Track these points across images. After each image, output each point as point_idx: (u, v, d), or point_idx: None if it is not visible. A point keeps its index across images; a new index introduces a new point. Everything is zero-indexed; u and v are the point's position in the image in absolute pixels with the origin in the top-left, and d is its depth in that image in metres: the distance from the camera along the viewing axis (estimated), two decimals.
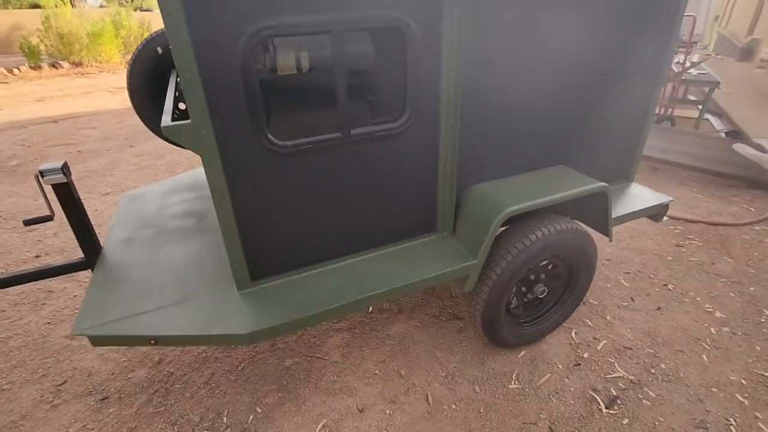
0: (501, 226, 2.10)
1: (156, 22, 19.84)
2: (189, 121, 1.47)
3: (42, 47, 13.81)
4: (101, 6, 26.30)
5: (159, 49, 2.66)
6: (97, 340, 1.66)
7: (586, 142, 2.38)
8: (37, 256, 3.48)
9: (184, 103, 1.41)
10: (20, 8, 21.11)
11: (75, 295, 2.98)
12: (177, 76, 2.43)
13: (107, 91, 10.78)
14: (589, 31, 2.03)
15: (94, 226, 2.18)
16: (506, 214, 1.91)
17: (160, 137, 2.92)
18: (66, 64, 13.85)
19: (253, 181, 1.66)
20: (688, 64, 6.29)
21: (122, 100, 9.52)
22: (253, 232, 1.76)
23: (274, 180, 1.70)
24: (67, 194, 2.03)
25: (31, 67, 13.34)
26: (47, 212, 2.05)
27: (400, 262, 2.01)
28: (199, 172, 3.22)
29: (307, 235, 1.88)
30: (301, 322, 1.73)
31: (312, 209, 1.83)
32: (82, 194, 4.67)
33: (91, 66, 14.23)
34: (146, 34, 16.46)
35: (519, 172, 2.24)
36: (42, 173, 1.94)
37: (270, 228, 1.79)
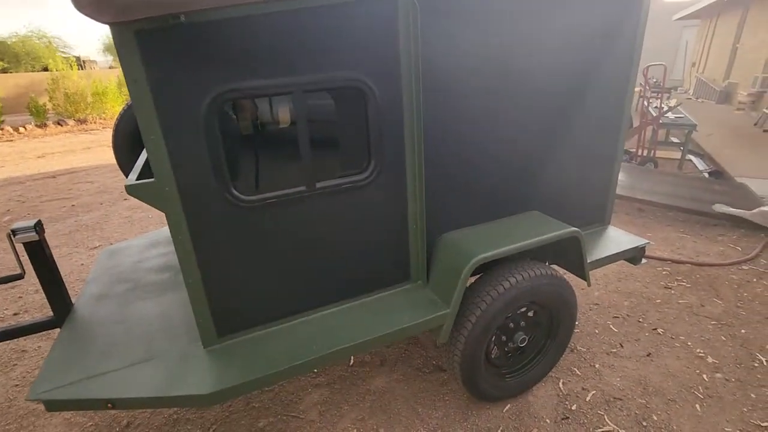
0: (474, 274, 2.09)
1: None
2: (152, 180, 1.50)
3: (49, 106, 14.39)
4: (110, 67, 27.74)
5: None
6: (51, 405, 1.60)
7: (557, 187, 2.42)
8: (15, 314, 3.43)
9: None
10: (33, 71, 22.26)
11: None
12: None
13: (108, 146, 11.09)
14: (551, 76, 2.13)
15: (77, 281, 2.17)
16: (476, 262, 1.90)
17: None
18: (71, 122, 14.37)
19: (218, 237, 1.67)
20: (665, 108, 6.53)
21: None
22: (219, 287, 1.74)
23: (239, 235, 1.71)
24: (38, 252, 2.03)
25: (37, 126, 13.83)
26: (18, 270, 2.05)
27: (373, 313, 1.97)
28: None
29: (275, 289, 1.86)
30: (267, 380, 1.67)
31: (280, 263, 1.83)
32: (70, 249, 4.68)
33: (95, 122, 14.76)
34: None
35: (490, 219, 2.26)
36: (14, 231, 1.95)
37: (236, 283, 1.78)
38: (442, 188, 2.04)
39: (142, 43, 1.35)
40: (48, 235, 5.10)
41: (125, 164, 2.82)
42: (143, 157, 1.91)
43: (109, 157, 9.62)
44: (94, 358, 1.79)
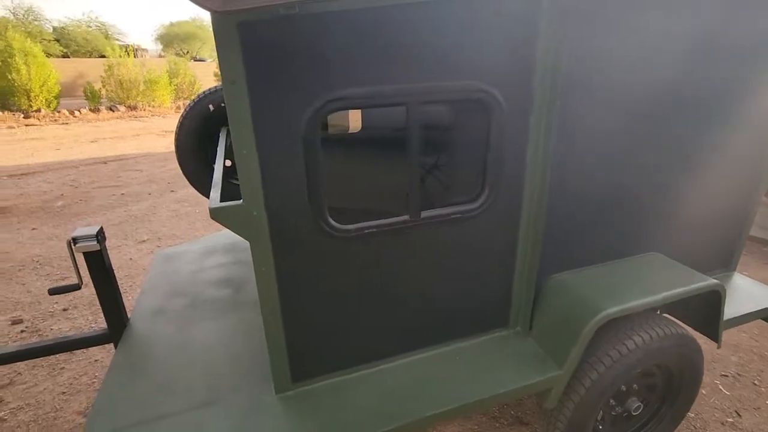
0: None
1: (207, 71, 21.22)
2: (240, 202, 1.25)
3: (103, 92, 14.87)
4: (160, 56, 28.67)
5: (211, 107, 2.58)
6: None
7: (681, 225, 2.03)
8: (64, 309, 3.33)
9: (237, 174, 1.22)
10: (90, 57, 23.26)
11: (96, 360, 2.76)
12: (227, 139, 2.30)
13: (156, 134, 11.30)
14: (702, 104, 1.75)
15: (126, 278, 1.98)
16: (603, 318, 1.56)
17: (201, 193, 2.79)
18: (122, 108, 14.80)
19: (306, 270, 1.41)
20: None
21: (169, 143, 9.89)
22: (301, 327, 1.49)
23: (330, 268, 1.44)
24: (98, 263, 1.85)
25: (90, 110, 14.32)
26: (76, 280, 1.87)
27: (470, 367, 1.67)
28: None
29: (363, 329, 1.59)
30: None
31: (371, 300, 1.55)
32: (119, 241, 4.61)
33: (145, 110, 15.14)
34: (197, 84, 17.56)
35: (604, 259, 1.90)
36: (75, 240, 1.77)
37: (321, 321, 1.51)
38: (557, 222, 1.71)
39: (246, 37, 1.09)
40: (99, 223, 5.10)
41: (187, 163, 2.64)
42: (219, 169, 1.67)
43: (157, 145, 9.75)
44: (152, 395, 1.57)
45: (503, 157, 1.51)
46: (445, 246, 1.58)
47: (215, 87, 2.65)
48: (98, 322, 3.19)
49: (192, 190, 6.64)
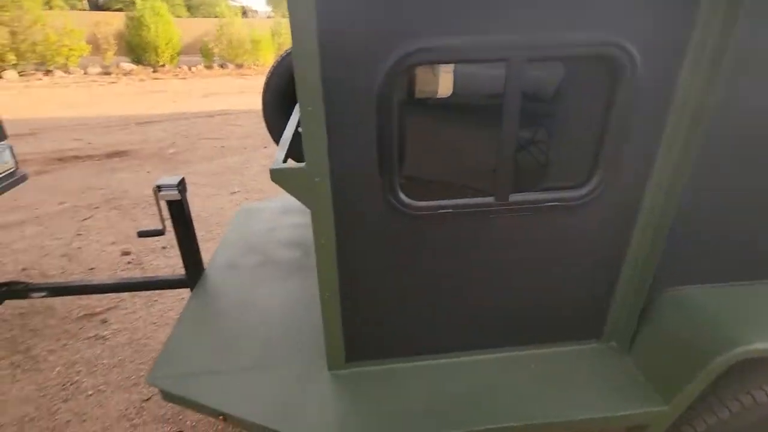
0: None
1: None
2: (302, 165, 1.13)
3: (215, 50, 16.05)
4: (269, 16, 30.05)
5: None
6: (167, 396, 1.43)
7: None
8: (163, 248, 3.67)
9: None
10: (209, 17, 25.16)
11: (182, 298, 2.99)
12: None
13: (258, 92, 11.92)
14: None
15: (215, 225, 2.04)
16: (743, 354, 1.20)
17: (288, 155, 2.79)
18: (231, 66, 15.88)
19: (370, 247, 1.27)
20: None
21: None
22: (359, 307, 1.37)
23: (397, 247, 1.28)
24: (179, 211, 1.91)
25: (205, 67, 15.59)
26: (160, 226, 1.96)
27: (545, 379, 1.43)
28: None
29: (425, 317, 1.43)
30: None
31: (439, 287, 1.37)
32: (214, 190, 4.96)
33: (250, 68, 16.08)
34: None
35: (750, 277, 1.48)
36: (159, 188, 1.84)
37: (380, 304, 1.38)
38: (691, 222, 1.33)
39: None
40: (200, 173, 5.53)
41: (273, 126, 2.63)
42: (291, 127, 1.57)
43: (257, 102, 10.29)
44: (214, 350, 1.59)
45: (627, 135, 1.18)
46: (536, 237, 1.32)
47: None
48: None
49: None
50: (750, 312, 1.33)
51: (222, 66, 15.84)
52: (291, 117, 1.73)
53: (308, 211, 2.82)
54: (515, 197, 1.23)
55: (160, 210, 1.91)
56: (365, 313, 1.38)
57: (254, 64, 16.38)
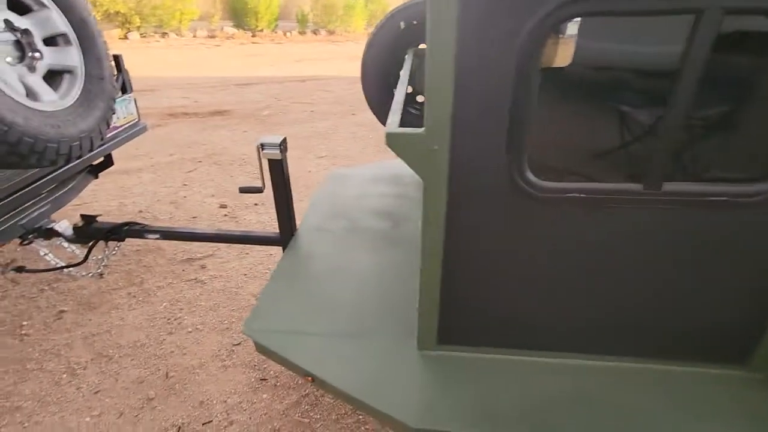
0: None
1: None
2: (422, 130, 1.02)
3: (310, 16, 16.36)
4: None
5: (402, 24, 2.36)
6: (261, 348, 1.48)
7: None
8: (255, 204, 3.88)
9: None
10: None
11: (271, 254, 3.14)
12: (413, 59, 2.08)
13: (348, 58, 12.00)
14: None
15: (303, 188, 2.07)
16: None
17: (378, 118, 2.71)
18: (323, 32, 16.11)
19: (483, 227, 1.15)
20: None
21: (358, 68, 10.41)
22: (461, 288, 1.27)
23: (514, 231, 1.15)
24: (278, 171, 1.94)
25: (299, 33, 16.00)
26: (260, 184, 2.02)
27: (668, 402, 1.23)
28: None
29: (531, 308, 1.29)
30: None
31: (553, 279, 1.22)
32: (303, 153, 5.10)
33: (341, 35, 16.19)
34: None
35: None
36: (262, 146, 1.87)
37: (484, 288, 1.27)
38: None
39: None
40: (291, 134, 5.72)
41: (371, 91, 2.55)
42: (402, 92, 1.46)
43: (347, 68, 10.35)
44: (307, 310, 1.61)
45: None
46: (685, 237, 1.10)
47: (407, 3, 2.41)
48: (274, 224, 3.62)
49: (370, 116, 6.90)
50: None
51: (314, 32, 16.15)
52: (399, 83, 1.62)
53: (398, 181, 2.75)
54: (670, 186, 1.02)
55: (261, 167, 1.95)
56: (466, 295, 1.28)
57: (345, 31, 16.45)
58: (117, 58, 2.38)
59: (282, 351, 1.42)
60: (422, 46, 2.46)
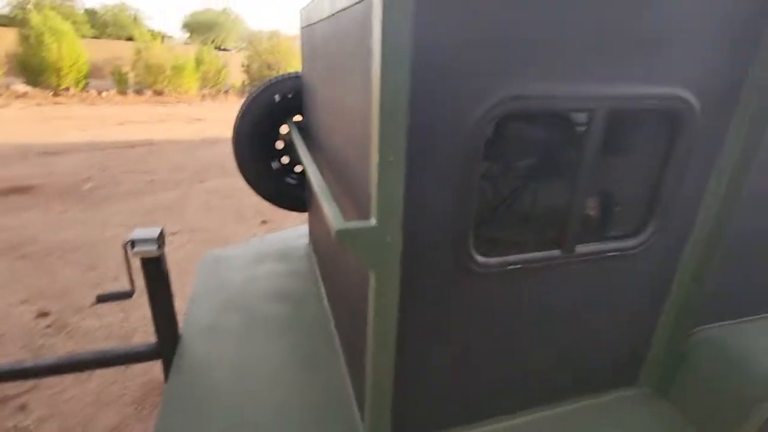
0: None
1: (232, 61, 21.03)
2: (373, 222, 0.96)
3: (130, 75, 14.83)
4: (185, 43, 28.74)
5: (277, 97, 2.31)
6: None
7: None
8: (91, 304, 3.09)
9: (300, 165, 0.94)
10: (118, 39, 23.35)
11: (128, 366, 2.50)
12: (294, 134, 2.02)
13: (182, 121, 11.14)
14: None
15: None
16: None
17: (254, 188, 2.52)
18: (148, 92, 14.72)
19: (433, 312, 1.12)
20: None
21: (196, 131, 9.71)
22: (414, 377, 1.20)
23: (463, 310, 1.15)
24: (156, 270, 1.58)
25: (118, 92, 14.27)
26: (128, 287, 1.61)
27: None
28: (286, 237, 2.76)
29: (482, 380, 1.30)
30: None
31: (498, 345, 1.26)
32: None
33: (171, 96, 15.05)
34: (224, 72, 17.42)
35: (757, 313, 1.58)
36: (133, 243, 1.51)
37: (438, 373, 1.23)
38: (728, 263, 1.39)
39: (423, 5, 0.81)
40: (127, 211, 4.88)
41: (246, 162, 2.37)
42: (315, 173, 1.38)
43: (185, 132, 9.57)
44: None
45: (681, 185, 1.20)
46: (591, 288, 1.28)
47: (282, 75, 2.39)
48: (129, 322, 2.95)
49: (222, 182, 6.42)
50: None
51: (138, 92, 14.62)
52: (303, 161, 1.53)
53: (287, 257, 2.57)
54: (580, 248, 1.18)
55: (129, 269, 1.57)
56: (420, 382, 1.21)
57: (175, 92, 15.37)
58: None
59: None
60: (297, 117, 2.43)
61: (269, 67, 17.80)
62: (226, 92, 16.88)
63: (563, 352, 1.36)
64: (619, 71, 1.00)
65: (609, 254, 1.22)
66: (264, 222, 4.79)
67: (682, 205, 1.24)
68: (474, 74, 0.90)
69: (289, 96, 2.33)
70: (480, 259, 1.08)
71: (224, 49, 28.74)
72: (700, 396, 1.41)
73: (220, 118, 11.39)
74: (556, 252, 1.16)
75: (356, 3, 0.97)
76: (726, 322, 1.52)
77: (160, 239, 1.54)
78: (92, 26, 24.63)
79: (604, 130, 1.03)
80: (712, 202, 1.25)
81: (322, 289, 2.09)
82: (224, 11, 32.62)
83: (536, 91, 0.94)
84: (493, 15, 0.87)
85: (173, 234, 4.34)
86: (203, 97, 15.60)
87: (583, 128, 1.05)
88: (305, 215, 2.65)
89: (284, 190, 2.57)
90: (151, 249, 1.52)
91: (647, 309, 1.40)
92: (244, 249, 2.58)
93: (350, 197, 1.23)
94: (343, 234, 0.94)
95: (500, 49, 0.90)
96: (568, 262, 1.19)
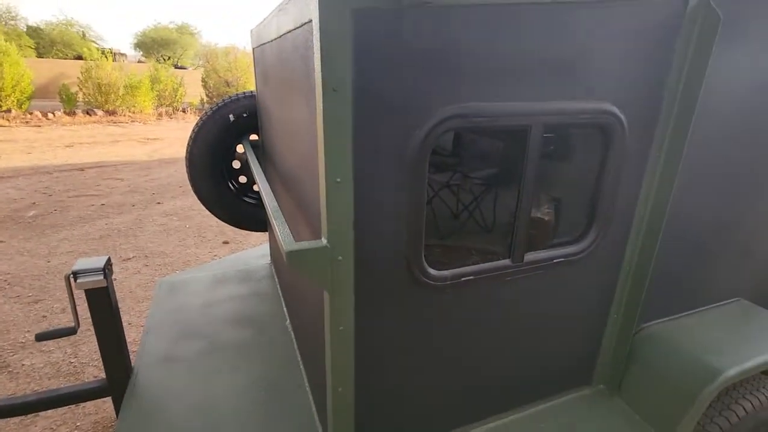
0: None
1: (189, 79, 20.61)
2: (323, 242, 0.96)
3: (79, 95, 14.17)
4: (139, 61, 27.86)
5: (231, 117, 2.28)
6: None
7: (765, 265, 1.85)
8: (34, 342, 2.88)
9: (256, 186, 0.94)
10: (65, 58, 22.33)
11: (75, 406, 2.34)
12: (249, 154, 2.00)
13: (137, 141, 10.72)
14: None
15: None
16: (724, 382, 1.33)
17: (210, 209, 2.46)
18: (99, 112, 14.10)
19: (389, 328, 1.13)
20: None
21: (151, 151, 9.37)
22: (375, 396, 1.19)
23: (418, 324, 1.17)
24: (103, 302, 1.51)
25: (65, 113, 13.58)
26: (73, 323, 1.52)
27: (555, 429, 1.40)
28: (247, 257, 2.70)
29: (442, 392, 1.31)
30: None
31: (456, 357, 1.28)
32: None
33: (124, 115, 14.47)
34: (181, 90, 16.96)
35: (693, 306, 1.69)
36: (76, 275, 1.43)
37: (399, 390, 1.23)
38: (662, 264, 1.49)
39: (360, 28, 0.83)
40: (77, 237, 4.61)
41: (199, 183, 2.31)
42: (269, 194, 1.37)
43: (139, 153, 9.21)
44: None
45: (617, 192, 1.28)
46: (542, 294, 1.33)
47: (236, 95, 2.37)
48: (79, 357, 2.77)
49: (180, 203, 6.21)
50: (712, 342, 1.49)
51: (88, 112, 13.96)
52: (258, 180, 1.52)
53: (248, 278, 2.51)
54: (529, 257, 1.23)
55: (73, 303, 1.49)
56: (382, 402, 1.21)
57: (129, 111, 14.80)
58: None
59: None
60: (253, 137, 2.41)
61: (227, 84, 17.53)
62: (184, 110, 16.42)
63: (520, 358, 1.40)
64: (550, 90, 1.06)
65: (556, 261, 1.28)
66: (226, 242, 4.66)
67: (620, 211, 1.32)
68: (415, 96, 0.93)
69: (245, 115, 2.31)
70: (433, 272, 1.11)
71: (181, 67, 28.09)
72: (647, 390, 1.48)
73: (178, 137, 11.06)
74: (506, 261, 1.20)
75: (298, 27, 0.99)
76: (668, 318, 1.61)
77: (107, 268, 1.48)
78: (37, 44, 23.47)
79: (541, 143, 1.09)
80: (644, 207, 1.33)
81: (285, 310, 2.05)
82: (180, 27, 31.97)
83: (476, 110, 0.99)
84: (429, 41, 0.90)
85: (127, 260, 4.13)
86: (160, 115, 15.10)
87: (521, 143, 1.10)
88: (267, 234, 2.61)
89: (243, 210, 2.53)
90: (97, 279, 1.45)
91: (596, 311, 1.47)
92: (203, 271, 2.50)
93: (304, 217, 1.23)
94: (293, 255, 0.94)
95: (438, 71, 0.93)
96: (519, 271, 1.23)
